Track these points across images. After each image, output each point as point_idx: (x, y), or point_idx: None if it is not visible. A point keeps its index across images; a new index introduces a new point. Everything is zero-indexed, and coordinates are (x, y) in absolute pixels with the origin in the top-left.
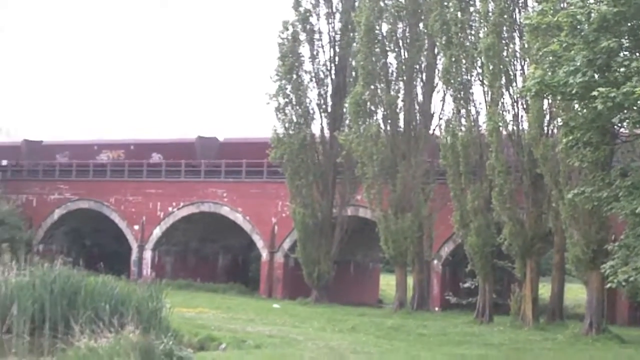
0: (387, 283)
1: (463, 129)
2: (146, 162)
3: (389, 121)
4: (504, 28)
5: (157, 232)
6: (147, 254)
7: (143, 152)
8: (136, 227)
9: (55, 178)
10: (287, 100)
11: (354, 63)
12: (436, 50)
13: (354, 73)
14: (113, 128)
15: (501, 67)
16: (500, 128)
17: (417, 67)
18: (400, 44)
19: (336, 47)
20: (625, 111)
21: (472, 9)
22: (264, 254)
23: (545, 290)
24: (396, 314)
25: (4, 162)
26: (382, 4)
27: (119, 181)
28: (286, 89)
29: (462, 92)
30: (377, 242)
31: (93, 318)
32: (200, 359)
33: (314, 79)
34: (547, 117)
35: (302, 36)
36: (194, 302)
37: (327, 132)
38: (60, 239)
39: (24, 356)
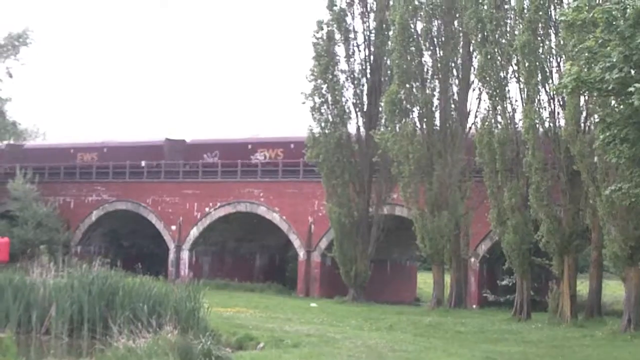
0: (424, 281)
1: (499, 126)
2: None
3: (425, 119)
4: (540, 25)
5: (194, 232)
6: (185, 255)
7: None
8: (173, 227)
9: (93, 179)
10: (322, 99)
11: (389, 62)
12: (471, 48)
13: (389, 72)
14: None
15: (537, 64)
16: (537, 125)
17: (453, 65)
18: (435, 42)
19: (371, 46)
20: None
21: (507, 6)
22: (301, 253)
23: (583, 287)
24: (433, 312)
25: (143, 163)
26: (416, 2)
27: (156, 182)
28: (322, 88)
29: (498, 90)
30: (414, 240)
31: (131, 318)
32: (238, 358)
33: (349, 79)
34: (584, 113)
35: (337, 36)
36: (231, 302)
37: (363, 131)
38: (98, 240)
39: (62, 357)
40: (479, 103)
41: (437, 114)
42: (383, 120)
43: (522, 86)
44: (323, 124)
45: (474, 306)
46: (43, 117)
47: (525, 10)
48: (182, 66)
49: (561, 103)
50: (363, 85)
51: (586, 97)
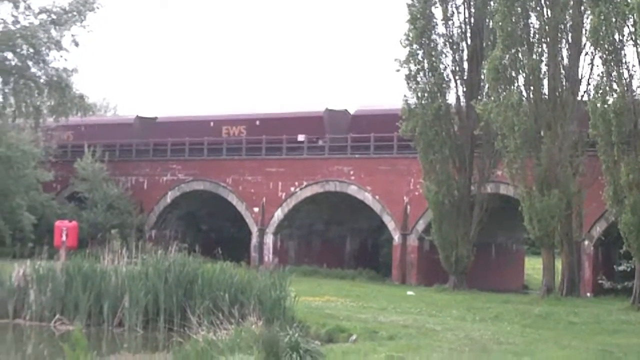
0: (533, 267)
1: (615, 94)
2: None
3: (532, 88)
4: None
5: (278, 214)
6: (269, 239)
7: None
8: (256, 209)
9: (167, 157)
10: (419, 67)
11: (491, 24)
12: (583, 8)
13: (492, 36)
14: None
15: None
16: None
17: (562, 27)
18: (543, 2)
19: (472, 7)
20: None
21: None
22: (396, 237)
23: None
24: (543, 301)
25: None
26: None
27: (236, 159)
28: (418, 54)
29: (612, 54)
30: (521, 221)
31: (211, 309)
32: (329, 352)
33: (447, 43)
34: None
35: None
36: (320, 290)
37: (463, 102)
38: (174, 223)
39: (137, 351)
40: (592, 69)
41: (545, 82)
42: (485, 89)
43: (639, 49)
44: (419, 94)
45: (588, 294)
46: (112, 89)
47: None
48: (248, 35)
49: None
50: (463, 51)
51: None
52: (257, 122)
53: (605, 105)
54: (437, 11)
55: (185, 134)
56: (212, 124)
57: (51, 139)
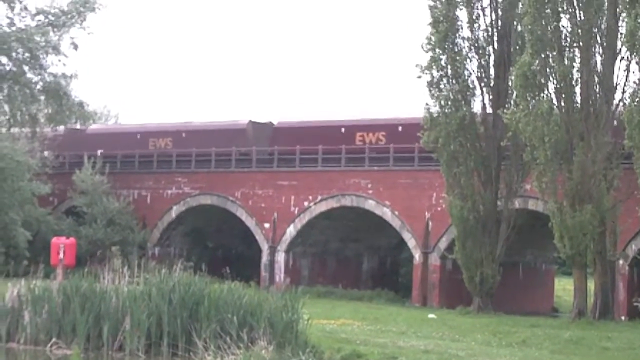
0: (563, 288)
1: None
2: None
3: (563, 95)
4: None
5: (291, 230)
6: (280, 257)
7: None
8: (267, 225)
9: (172, 170)
10: (442, 73)
11: (520, 28)
12: (618, 10)
13: (520, 40)
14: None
15: None
16: None
17: (596, 30)
18: (575, 3)
19: (499, 9)
20: None
21: None
22: (417, 255)
23: None
24: (575, 325)
25: None
26: None
27: (246, 172)
28: (440, 59)
29: None
30: (551, 239)
31: (218, 332)
32: None
33: (473, 48)
34: None
35: None
36: (335, 313)
37: (489, 110)
38: (178, 240)
39: None
40: (628, 75)
41: (577, 89)
42: (513, 97)
43: None
44: (442, 102)
45: (623, 317)
46: (114, 96)
47: None
48: (266, 42)
49: None
50: (489, 56)
51: None
52: (400, 129)
53: None
54: (462, 13)
55: (311, 142)
56: (343, 130)
57: (148, 146)
